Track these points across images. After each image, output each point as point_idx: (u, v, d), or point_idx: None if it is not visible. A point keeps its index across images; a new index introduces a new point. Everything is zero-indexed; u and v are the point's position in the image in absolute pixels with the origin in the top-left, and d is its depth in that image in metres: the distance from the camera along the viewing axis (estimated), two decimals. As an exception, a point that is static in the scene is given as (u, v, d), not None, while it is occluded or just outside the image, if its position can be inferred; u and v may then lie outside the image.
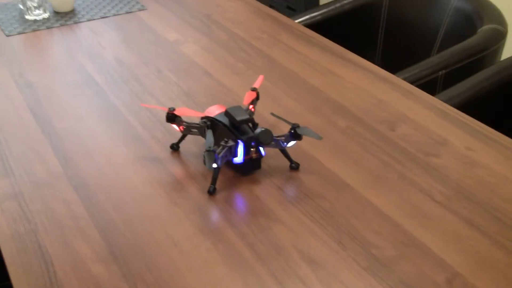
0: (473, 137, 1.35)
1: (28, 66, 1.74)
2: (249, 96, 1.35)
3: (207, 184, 1.23)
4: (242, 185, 1.22)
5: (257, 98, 1.37)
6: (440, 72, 1.71)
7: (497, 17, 1.86)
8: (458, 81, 1.64)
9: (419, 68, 1.71)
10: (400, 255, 1.03)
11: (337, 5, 2.18)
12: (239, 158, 1.21)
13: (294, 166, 1.26)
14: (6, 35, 1.95)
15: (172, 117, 1.28)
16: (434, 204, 1.15)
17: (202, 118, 1.28)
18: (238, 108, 1.23)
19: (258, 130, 1.19)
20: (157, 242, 1.08)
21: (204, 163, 1.17)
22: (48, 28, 2.00)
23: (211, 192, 1.20)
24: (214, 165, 1.17)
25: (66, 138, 1.40)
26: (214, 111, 1.28)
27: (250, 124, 1.24)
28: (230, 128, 1.22)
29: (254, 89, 1.36)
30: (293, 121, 1.43)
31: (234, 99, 1.54)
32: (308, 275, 1.00)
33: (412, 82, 1.66)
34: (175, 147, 1.34)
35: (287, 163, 1.28)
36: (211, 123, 1.27)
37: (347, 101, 1.51)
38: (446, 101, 1.51)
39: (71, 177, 1.26)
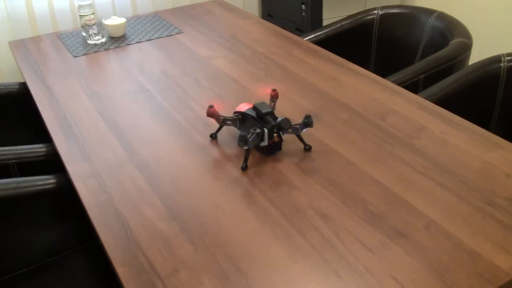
0: (446, 124, 1.48)
1: (93, 79, 1.90)
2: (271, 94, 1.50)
3: (240, 162, 1.37)
4: (267, 163, 1.37)
5: (277, 97, 1.51)
6: (420, 76, 1.83)
7: (464, 32, 1.98)
8: (434, 82, 1.76)
9: (404, 73, 1.83)
10: (391, 209, 1.17)
11: (337, 25, 2.30)
12: (264, 142, 1.35)
13: (307, 148, 1.41)
14: (74, 56, 2.10)
15: (211, 113, 1.42)
16: (416, 173, 1.29)
17: (235, 112, 1.43)
18: (263, 103, 1.38)
19: (279, 119, 1.33)
20: (205, 206, 1.23)
21: (239, 145, 1.31)
22: (105, 49, 2.16)
23: (244, 169, 1.34)
24: (246, 147, 1.31)
25: (127, 132, 1.55)
26: (244, 107, 1.42)
27: (273, 117, 1.38)
28: (257, 119, 1.37)
29: (274, 90, 1.50)
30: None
31: (257, 99, 1.68)
32: (321, 225, 1.14)
33: (399, 84, 1.78)
34: (213, 136, 1.49)
35: (302, 146, 1.42)
36: (242, 116, 1.41)
37: (348, 99, 1.65)
38: (425, 98, 1.63)
39: (135, 160, 1.41)
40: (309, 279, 1.01)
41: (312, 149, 1.41)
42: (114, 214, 1.22)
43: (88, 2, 2.22)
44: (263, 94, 1.72)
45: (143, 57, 2.06)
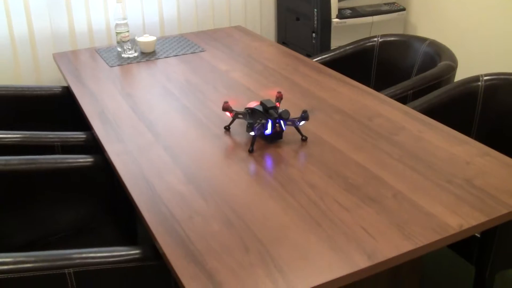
0: (423, 125, 1.76)
1: (126, 84, 2.21)
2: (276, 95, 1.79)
3: (248, 147, 1.66)
4: (270, 148, 1.65)
5: (281, 98, 1.80)
6: (409, 91, 2.11)
7: (451, 57, 2.26)
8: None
9: (395, 88, 2.11)
10: (367, 183, 1.44)
11: (342, 50, 2.60)
12: (268, 131, 1.64)
13: (304, 138, 1.69)
14: (110, 67, 2.43)
15: (226, 107, 1.72)
16: (392, 159, 1.56)
17: (246, 108, 1.72)
18: (269, 100, 1.67)
19: (280, 111, 1.63)
20: (217, 176, 1.51)
21: (247, 131, 1.60)
22: (137, 62, 2.48)
23: (251, 151, 1.63)
24: (252, 133, 1.60)
25: (155, 123, 1.85)
26: (253, 103, 1.71)
27: (276, 111, 1.67)
28: (263, 112, 1.66)
29: (279, 92, 1.80)
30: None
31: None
32: (309, 192, 1.41)
33: (390, 97, 2.06)
34: (227, 128, 1.78)
35: (299, 136, 1.71)
36: (251, 111, 1.70)
37: (343, 105, 1.94)
38: (411, 108, 1.91)
39: (161, 143, 1.70)
40: (296, 226, 1.28)
41: (308, 139, 1.69)
42: (143, 179, 1.50)
43: (125, 21, 2.55)
44: (270, 95, 2.01)
45: (170, 69, 2.38)
